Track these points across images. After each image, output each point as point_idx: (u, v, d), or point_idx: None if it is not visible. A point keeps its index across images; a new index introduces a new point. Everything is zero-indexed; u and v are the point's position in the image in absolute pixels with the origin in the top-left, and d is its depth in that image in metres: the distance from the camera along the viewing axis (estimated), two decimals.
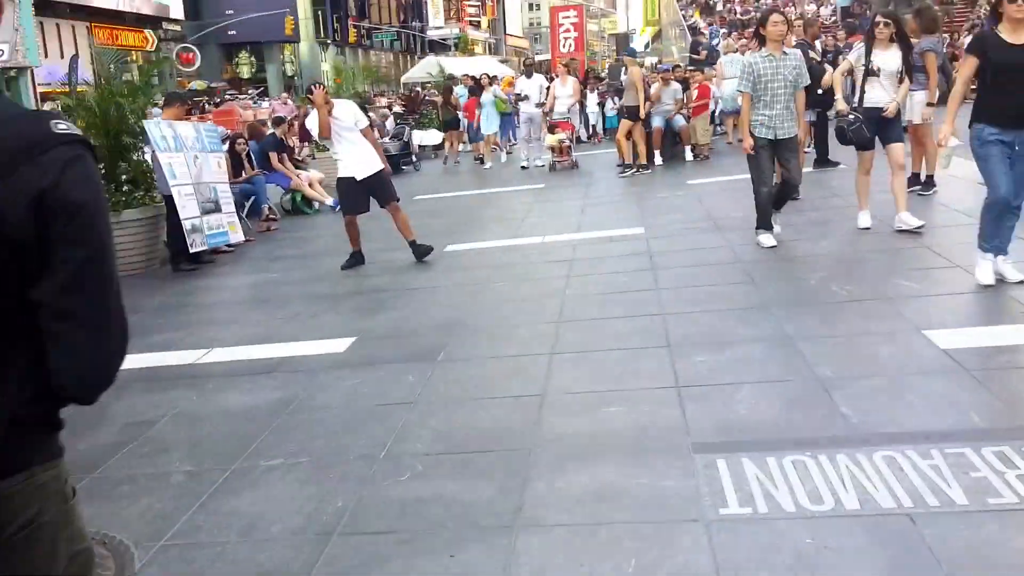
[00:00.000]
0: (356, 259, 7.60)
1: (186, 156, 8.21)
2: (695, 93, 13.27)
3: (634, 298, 5.70)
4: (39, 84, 31.21)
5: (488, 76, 16.64)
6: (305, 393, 4.48)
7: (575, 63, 17.06)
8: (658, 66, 14.59)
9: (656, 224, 8.16)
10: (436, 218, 9.90)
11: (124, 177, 8.22)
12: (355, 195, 7.47)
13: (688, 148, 12.84)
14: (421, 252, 7.51)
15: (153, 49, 46.06)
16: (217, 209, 8.69)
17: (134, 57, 45.04)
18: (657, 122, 12.73)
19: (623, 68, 20.04)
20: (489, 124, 15.56)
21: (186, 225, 8.03)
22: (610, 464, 3.31)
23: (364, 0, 63.91)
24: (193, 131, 8.55)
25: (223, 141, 10.97)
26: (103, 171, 8.21)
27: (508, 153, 17.22)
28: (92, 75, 20.29)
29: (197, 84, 46.88)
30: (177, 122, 8.39)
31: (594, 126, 18.06)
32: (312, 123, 7.38)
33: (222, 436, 4.01)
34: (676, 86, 12.88)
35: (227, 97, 41.37)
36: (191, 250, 8.09)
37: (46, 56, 35.98)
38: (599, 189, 11.23)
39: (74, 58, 39.96)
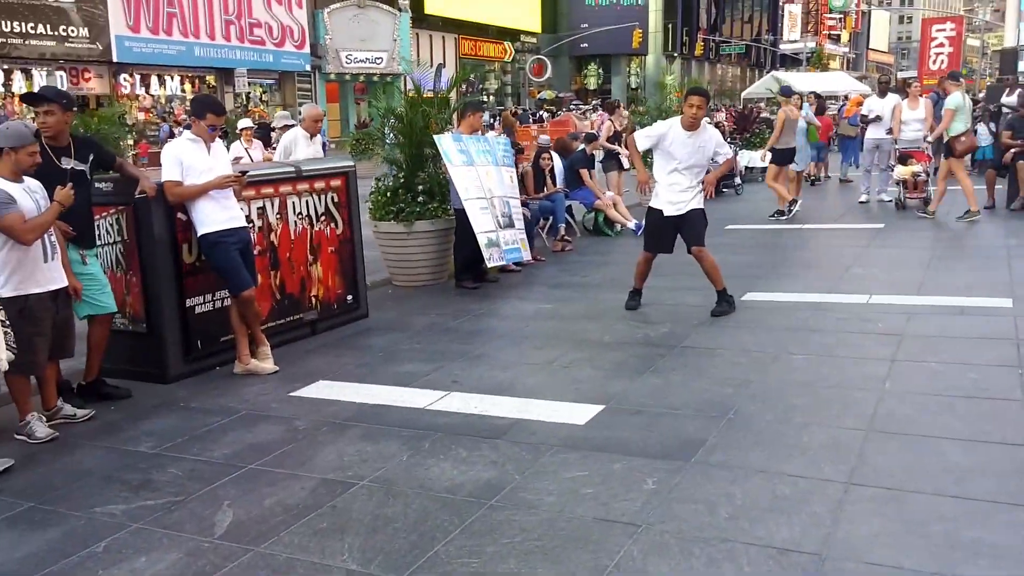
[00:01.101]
0: (636, 296, 6.70)
1: (479, 170, 7.88)
2: None
3: (987, 409, 4.12)
4: (409, 90, 34.68)
5: (800, 95, 12.75)
6: (520, 478, 3.67)
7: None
8: None
9: None
10: (743, 254, 8.63)
11: (421, 188, 8.09)
12: (662, 232, 6.50)
13: None
14: (722, 310, 6.36)
15: (510, 59, 49.10)
16: (511, 225, 8.27)
17: (495, 68, 48.51)
18: None
19: (1007, 90, 16.87)
20: (797, 157, 11.86)
21: (482, 239, 7.69)
22: None
23: (718, 13, 62.56)
24: (486, 145, 8.20)
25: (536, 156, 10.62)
26: (402, 180, 8.18)
27: (843, 180, 15.22)
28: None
29: (547, 94, 49.11)
30: (468, 136, 8.09)
31: None
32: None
33: (408, 525, 3.32)
34: None
35: (571, 108, 42.79)
36: (488, 264, 7.76)
37: (418, 64, 39.92)
38: (955, 237, 9.14)
39: (440, 67, 43.91)
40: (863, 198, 12.23)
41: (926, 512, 3.17)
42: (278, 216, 6.06)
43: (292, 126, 9.87)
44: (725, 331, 5.93)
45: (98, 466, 4.10)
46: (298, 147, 7.78)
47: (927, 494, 3.31)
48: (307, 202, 6.32)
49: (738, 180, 15.24)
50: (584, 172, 10.77)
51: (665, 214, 6.40)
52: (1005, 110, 14.20)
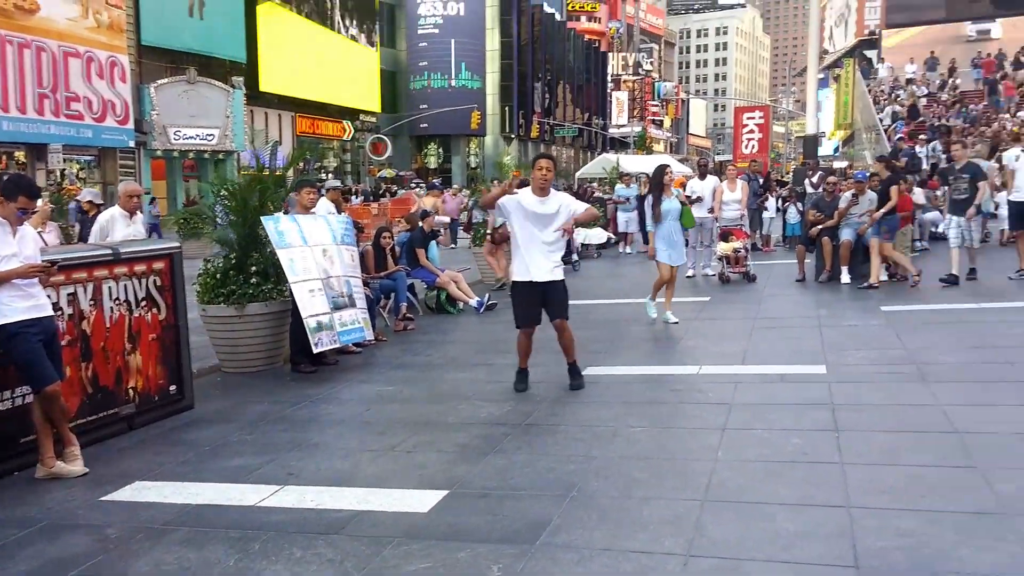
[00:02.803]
0: (524, 377, 6.58)
1: (313, 250, 7.67)
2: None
3: (809, 474, 4.32)
4: (242, 167, 33.80)
5: (670, 173, 9.56)
6: None
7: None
8: (854, 174, 12.98)
9: (841, 363, 6.68)
10: (580, 330, 8.76)
11: (254, 268, 7.77)
12: (531, 303, 6.39)
13: (883, 266, 11.14)
14: (579, 383, 6.46)
15: (350, 138, 49.17)
16: (351, 304, 8.05)
17: (333, 147, 48.33)
18: (847, 234, 11.18)
19: (807, 173, 18.56)
20: (670, 252, 9.09)
21: (310, 323, 7.42)
22: None
23: (551, 98, 65.64)
24: (323, 224, 8.04)
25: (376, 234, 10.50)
26: (234, 261, 7.85)
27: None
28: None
29: (387, 172, 49.38)
30: (303, 216, 7.91)
31: (767, 235, 16.55)
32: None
33: None
34: (872, 195, 11.31)
35: (412, 186, 43.12)
36: (315, 350, 7.46)
37: (252, 142, 39.11)
38: (773, 308, 9.78)
39: (275, 144, 43.20)
40: (690, 273, 12.92)
41: None
42: (92, 302, 5.62)
43: (100, 204, 9.28)
44: (567, 407, 5.98)
45: None
46: (115, 227, 7.30)
47: (760, 561, 3.39)
48: (125, 287, 5.90)
49: (575, 256, 15.74)
50: (420, 252, 10.78)
51: (533, 280, 6.32)
52: (810, 190, 15.60)
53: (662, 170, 9.27)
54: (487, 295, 10.93)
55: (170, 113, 32.08)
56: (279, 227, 7.55)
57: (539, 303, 6.44)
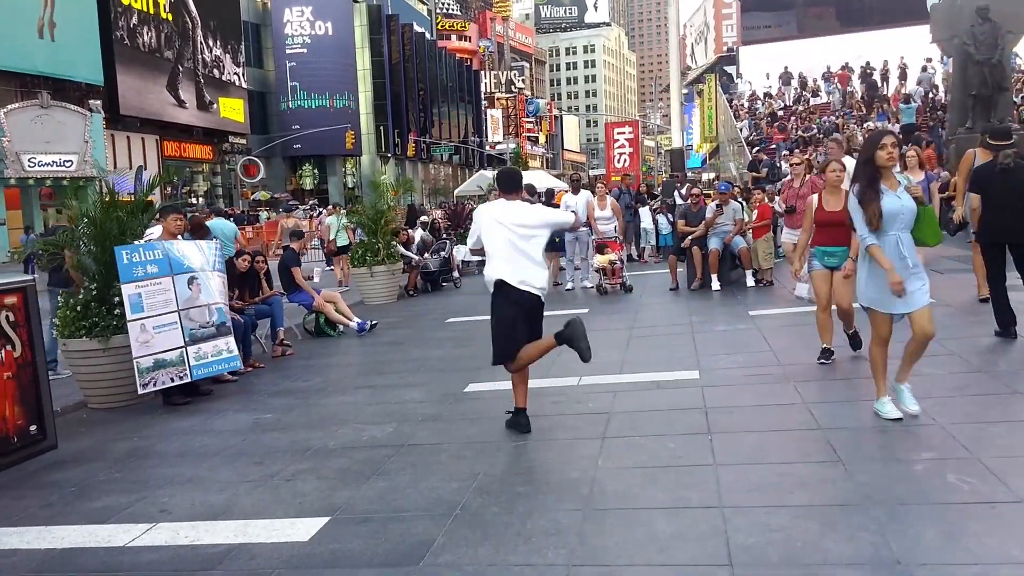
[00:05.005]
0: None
1: (174, 279, 7.33)
2: (755, 213, 12.24)
3: (684, 477, 4.48)
4: (104, 193, 32.19)
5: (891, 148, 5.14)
6: None
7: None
8: (717, 184, 13.60)
9: (713, 368, 6.97)
10: (462, 347, 8.86)
11: (117, 299, 7.40)
12: (517, 325, 5.75)
13: (749, 273, 11.72)
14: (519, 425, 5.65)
15: (218, 161, 47.61)
16: (219, 334, 7.72)
17: (203, 170, 46.62)
18: (714, 243, 11.69)
19: (676, 185, 19.28)
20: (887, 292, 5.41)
21: (143, 363, 6.99)
22: None
23: (426, 117, 65.69)
24: (196, 249, 7.71)
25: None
26: (94, 293, 7.46)
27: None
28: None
29: (261, 195, 48.06)
30: (176, 241, 7.61)
31: (644, 247, 17.09)
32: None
33: None
34: (736, 206, 11.89)
35: (290, 207, 42.06)
36: (140, 391, 7.02)
37: (115, 167, 37.17)
38: (649, 317, 10.10)
39: (140, 169, 41.27)
40: (568, 286, 13.18)
41: None
42: None
43: None
44: (451, 425, 5.98)
45: None
46: None
47: (640, 566, 3.49)
48: None
49: (456, 274, 15.79)
50: (296, 271, 10.55)
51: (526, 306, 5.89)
52: (679, 202, 16.21)
53: (877, 141, 5.01)
54: (367, 320, 10.75)
55: (23, 139, 30.20)
56: (130, 257, 7.17)
57: (527, 321, 5.90)
